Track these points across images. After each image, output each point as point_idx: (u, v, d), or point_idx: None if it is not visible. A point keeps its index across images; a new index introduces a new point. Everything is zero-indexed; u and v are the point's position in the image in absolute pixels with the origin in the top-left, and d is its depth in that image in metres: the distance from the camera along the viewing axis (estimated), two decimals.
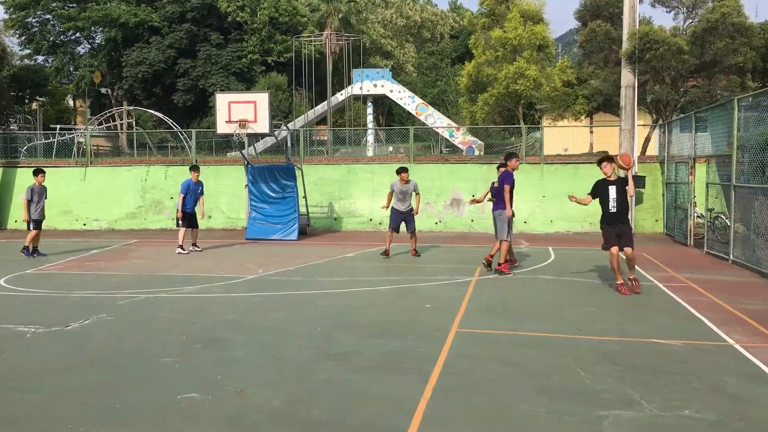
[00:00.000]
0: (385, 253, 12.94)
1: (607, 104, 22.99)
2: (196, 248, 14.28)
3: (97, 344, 6.74)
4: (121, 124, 35.79)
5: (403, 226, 12.99)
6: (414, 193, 12.93)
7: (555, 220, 18.38)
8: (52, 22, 45.34)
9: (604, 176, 9.34)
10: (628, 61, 17.42)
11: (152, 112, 36.32)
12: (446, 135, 33.83)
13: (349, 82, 38.87)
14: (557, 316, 7.95)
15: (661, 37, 18.77)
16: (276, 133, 19.02)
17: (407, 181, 12.85)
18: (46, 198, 13.78)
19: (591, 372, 5.66)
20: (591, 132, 26.63)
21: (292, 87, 40.96)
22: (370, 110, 40.20)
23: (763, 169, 10.47)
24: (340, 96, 39.48)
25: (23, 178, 19.48)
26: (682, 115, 17.34)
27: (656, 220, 17.98)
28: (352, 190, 19.53)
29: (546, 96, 24.29)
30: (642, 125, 20.58)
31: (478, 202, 12.38)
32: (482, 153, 30.41)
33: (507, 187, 10.69)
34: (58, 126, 30.75)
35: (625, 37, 17.69)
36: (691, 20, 21.07)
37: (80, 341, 6.86)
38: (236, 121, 15.42)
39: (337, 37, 41.79)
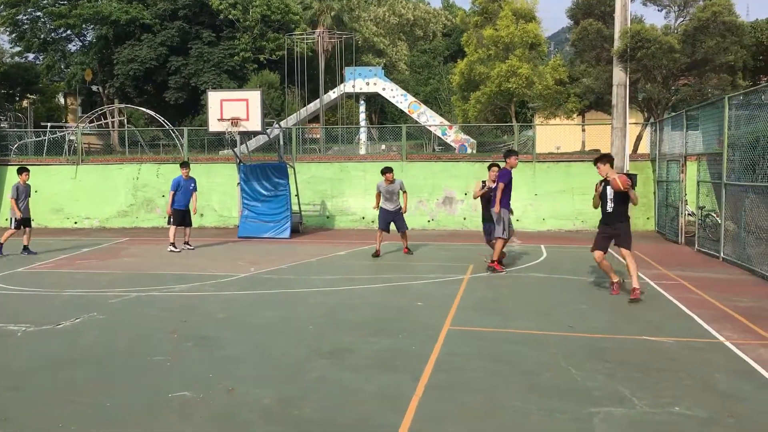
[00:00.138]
0: (376, 253, 12.93)
1: (599, 102, 23.08)
2: (189, 246, 14.24)
3: (89, 343, 6.72)
4: (113, 122, 35.54)
5: (393, 226, 13.01)
6: (401, 192, 12.95)
7: (547, 218, 18.42)
8: (43, 20, 45.00)
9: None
10: (620, 60, 17.47)
11: (144, 109, 36.12)
12: (439, 133, 33.85)
13: (342, 80, 38.78)
14: (549, 313, 7.98)
15: (653, 35, 18.85)
16: (268, 131, 18.96)
17: (392, 181, 12.84)
18: (29, 197, 13.76)
19: (582, 369, 5.69)
20: (583, 130, 26.69)
21: (285, 85, 40.79)
22: (362, 108, 40.14)
23: (754, 167, 10.53)
24: (333, 94, 39.38)
25: (14, 177, 19.29)
26: (674, 114, 17.39)
27: (647, 218, 18.04)
28: (345, 188, 19.51)
29: (538, 94, 24.31)
30: (633, 123, 20.63)
31: (484, 194, 11.49)
32: (475, 151, 30.47)
33: (501, 185, 10.71)
34: (49, 124, 30.53)
35: (616, 35, 17.72)
36: (682, 19, 21.19)
37: (71, 340, 6.84)
38: (228, 119, 15.37)
39: (330, 35, 41.65)
